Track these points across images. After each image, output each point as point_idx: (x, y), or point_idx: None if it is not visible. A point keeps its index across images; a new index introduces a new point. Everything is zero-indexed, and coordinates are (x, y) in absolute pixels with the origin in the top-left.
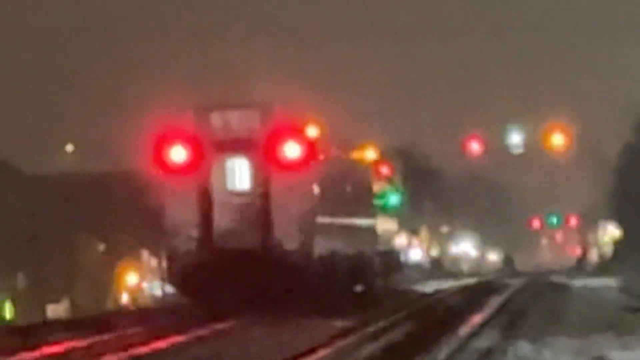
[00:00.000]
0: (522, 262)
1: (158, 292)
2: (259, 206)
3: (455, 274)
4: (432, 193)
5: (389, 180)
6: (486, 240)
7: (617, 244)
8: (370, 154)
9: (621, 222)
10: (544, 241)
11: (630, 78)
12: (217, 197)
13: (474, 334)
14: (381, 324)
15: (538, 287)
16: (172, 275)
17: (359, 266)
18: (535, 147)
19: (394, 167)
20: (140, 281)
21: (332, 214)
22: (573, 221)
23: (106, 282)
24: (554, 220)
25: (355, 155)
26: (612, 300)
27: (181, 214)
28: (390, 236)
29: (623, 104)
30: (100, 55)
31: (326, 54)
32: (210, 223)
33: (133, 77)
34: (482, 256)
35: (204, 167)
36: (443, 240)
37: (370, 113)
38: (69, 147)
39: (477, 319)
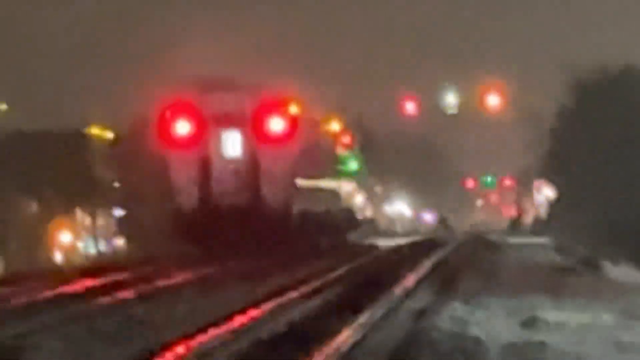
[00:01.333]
0: (457, 223)
1: (92, 251)
2: (249, 171)
3: (390, 234)
4: (366, 153)
5: (349, 148)
6: (421, 200)
7: (552, 205)
8: (334, 126)
9: (556, 184)
10: (479, 202)
11: (565, 39)
12: (214, 163)
13: (408, 295)
14: (345, 267)
15: (472, 248)
16: (177, 227)
17: (325, 222)
18: (470, 108)
19: (354, 137)
20: (74, 240)
21: (306, 178)
22: (508, 182)
23: (39, 241)
24: (489, 180)
25: (323, 126)
26: (546, 261)
27: (185, 177)
28: (349, 197)
29: (558, 65)
30: (36, 13)
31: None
32: (209, 184)
33: (71, 35)
34: (417, 216)
35: (204, 138)
36: (377, 200)
37: (307, 75)
38: (2, 106)
39: (411, 278)
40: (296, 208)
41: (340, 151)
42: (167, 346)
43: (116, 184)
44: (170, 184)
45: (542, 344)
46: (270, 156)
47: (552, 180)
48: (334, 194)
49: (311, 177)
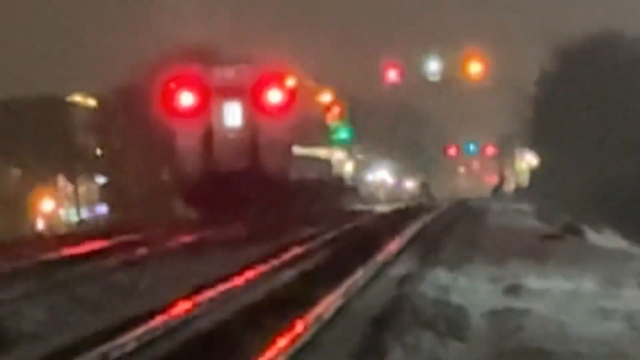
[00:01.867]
0: (439, 190)
1: (74, 218)
2: (249, 139)
3: (372, 201)
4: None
5: (340, 118)
6: (403, 168)
7: (534, 172)
8: (326, 97)
9: (538, 150)
10: (461, 169)
11: (547, 5)
12: (216, 132)
13: (391, 261)
14: (335, 232)
15: (454, 215)
16: (183, 191)
17: (319, 188)
18: (452, 75)
19: (345, 107)
20: (56, 207)
21: (302, 146)
22: (490, 149)
23: (22, 209)
24: (471, 148)
25: (315, 97)
26: (528, 228)
27: (190, 145)
28: (340, 165)
29: (540, 32)
30: None
31: None
32: (211, 151)
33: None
34: (399, 184)
35: (207, 109)
36: (359, 167)
37: (286, 39)
38: None
39: (395, 244)
40: (293, 175)
41: (332, 121)
42: (148, 314)
43: (98, 152)
44: (175, 152)
45: (525, 311)
46: (269, 126)
47: (534, 147)
48: (327, 162)
49: (306, 145)
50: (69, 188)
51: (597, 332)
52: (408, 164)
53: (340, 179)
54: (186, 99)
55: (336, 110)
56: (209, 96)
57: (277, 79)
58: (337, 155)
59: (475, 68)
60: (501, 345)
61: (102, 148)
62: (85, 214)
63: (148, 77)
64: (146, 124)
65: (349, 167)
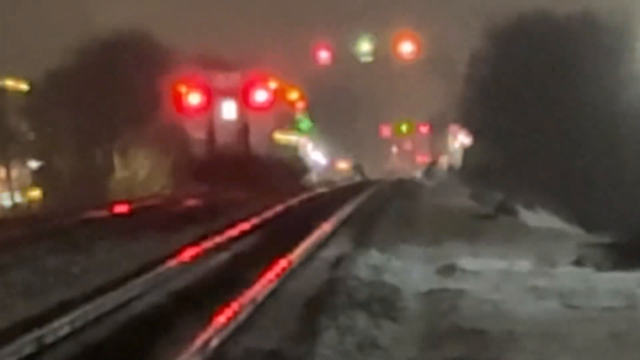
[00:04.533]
0: (373, 170)
1: (7, 203)
2: (242, 129)
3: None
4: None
5: (303, 111)
6: (336, 149)
7: (466, 152)
8: (293, 95)
9: (471, 130)
10: (394, 149)
11: None
12: (216, 124)
13: (324, 243)
14: (299, 198)
15: (387, 195)
16: (191, 169)
17: (289, 167)
18: (384, 56)
19: (308, 102)
20: None
21: (279, 133)
22: (423, 129)
23: None
24: (404, 128)
25: (286, 95)
26: (461, 208)
27: (197, 134)
28: (303, 149)
29: (472, 11)
30: None
31: None
32: (213, 139)
33: None
34: (333, 165)
35: (210, 106)
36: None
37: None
38: None
39: (328, 225)
40: (274, 156)
41: (297, 113)
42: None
43: (31, 136)
44: (185, 140)
45: (459, 291)
46: (256, 119)
47: (467, 126)
48: (294, 147)
49: (281, 133)
50: (2, 172)
51: (531, 311)
52: (341, 145)
53: (303, 160)
54: (194, 98)
55: (301, 105)
56: (211, 96)
57: (262, 82)
58: (302, 141)
59: (407, 48)
60: (435, 325)
61: (34, 132)
62: (18, 198)
63: (81, 61)
64: (78, 107)
65: (309, 150)
